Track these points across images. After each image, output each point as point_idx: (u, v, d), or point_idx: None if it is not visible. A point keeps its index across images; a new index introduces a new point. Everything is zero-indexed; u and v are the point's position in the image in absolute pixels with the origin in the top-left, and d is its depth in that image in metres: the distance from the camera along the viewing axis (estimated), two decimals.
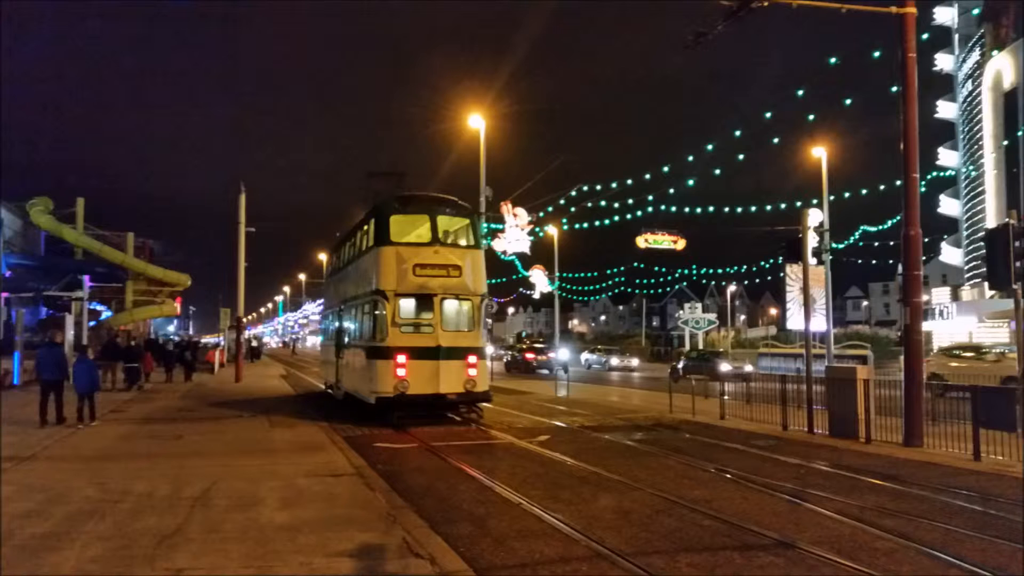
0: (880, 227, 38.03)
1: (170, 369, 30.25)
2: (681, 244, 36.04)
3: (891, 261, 51.60)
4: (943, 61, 53.85)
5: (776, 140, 30.93)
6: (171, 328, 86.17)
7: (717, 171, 32.56)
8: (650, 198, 35.01)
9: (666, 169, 32.65)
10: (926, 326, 30.48)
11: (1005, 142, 45.70)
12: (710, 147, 29.55)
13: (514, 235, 27.40)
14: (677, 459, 11.63)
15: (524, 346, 46.04)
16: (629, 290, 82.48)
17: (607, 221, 35.86)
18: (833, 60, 24.64)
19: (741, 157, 30.47)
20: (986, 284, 30.68)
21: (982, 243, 33.51)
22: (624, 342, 68.87)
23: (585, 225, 37.20)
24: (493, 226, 26.98)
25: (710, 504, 8.38)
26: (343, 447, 12.23)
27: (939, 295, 45.71)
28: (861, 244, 39.76)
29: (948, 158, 53.64)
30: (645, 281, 67.47)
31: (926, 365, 18.21)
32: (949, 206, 53.41)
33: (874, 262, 51.71)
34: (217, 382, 29.28)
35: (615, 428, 15.68)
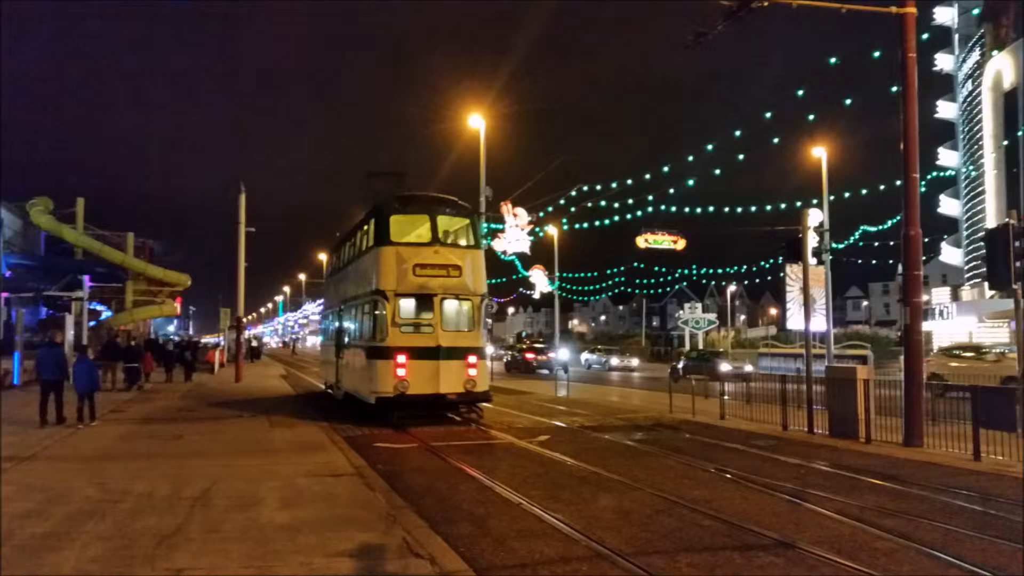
0: (880, 227, 38.08)
1: (170, 369, 30.26)
2: (681, 244, 36.02)
3: (891, 261, 51.68)
4: (943, 61, 53.84)
5: (776, 140, 30.95)
6: (171, 328, 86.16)
7: (717, 171, 32.60)
8: (650, 198, 35.05)
9: (666, 169, 32.70)
10: (926, 326, 30.48)
11: (1005, 142, 45.69)
12: (710, 147, 29.58)
13: (514, 235, 27.39)
14: (677, 459, 11.63)
15: (524, 346, 46.02)
16: (629, 290, 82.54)
17: (607, 221, 35.89)
18: (833, 60, 24.67)
19: (741, 157, 30.51)
20: (986, 284, 30.66)
21: (982, 243, 33.50)
22: (624, 342, 68.87)
23: (585, 225, 37.24)
24: (493, 226, 26.98)
25: (710, 504, 8.38)
26: (343, 447, 12.23)
27: (939, 295, 45.71)
28: (861, 244, 39.82)
29: (948, 158, 53.64)
30: (645, 281, 67.54)
31: (926, 365, 18.21)
32: (949, 206, 53.41)
33: (874, 262, 51.79)
34: (217, 382, 29.28)
35: (615, 428, 15.68)
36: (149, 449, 11.92)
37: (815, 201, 29.23)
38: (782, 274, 30.79)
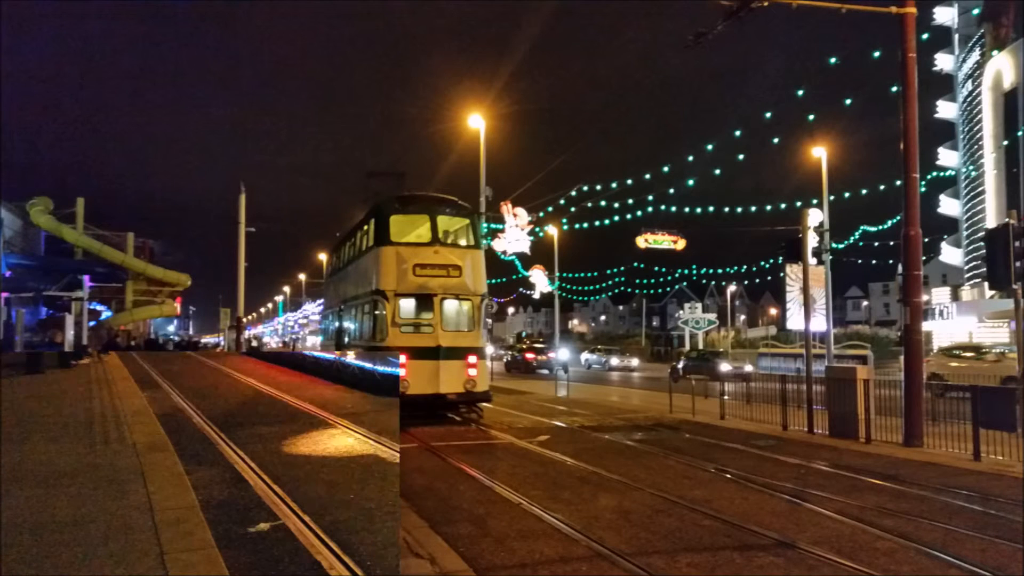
0: (880, 227, 38.13)
1: None
2: (681, 244, 36.05)
3: (891, 261, 51.66)
4: (943, 61, 53.89)
5: (776, 140, 31.02)
6: (171, 328, 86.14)
7: (717, 171, 32.63)
8: (650, 198, 35.03)
9: (666, 169, 32.68)
10: (926, 326, 30.50)
11: (1005, 142, 45.72)
12: (710, 147, 29.60)
13: (514, 235, 27.39)
14: (677, 459, 11.63)
15: (524, 346, 46.01)
16: (629, 290, 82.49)
17: (607, 221, 35.87)
18: (833, 60, 24.70)
19: (741, 157, 30.56)
20: (986, 284, 30.66)
21: (982, 243, 33.48)
22: (624, 342, 68.87)
23: (585, 225, 37.21)
24: (493, 226, 26.98)
25: (710, 504, 8.38)
26: None
27: (939, 295, 45.73)
28: (861, 244, 39.85)
29: (948, 158, 53.67)
30: (645, 281, 67.47)
31: (926, 365, 18.21)
32: (949, 206, 53.44)
33: (874, 262, 51.78)
34: None
35: (615, 428, 15.67)
36: None
37: (815, 201, 29.27)
38: (782, 274, 30.85)
